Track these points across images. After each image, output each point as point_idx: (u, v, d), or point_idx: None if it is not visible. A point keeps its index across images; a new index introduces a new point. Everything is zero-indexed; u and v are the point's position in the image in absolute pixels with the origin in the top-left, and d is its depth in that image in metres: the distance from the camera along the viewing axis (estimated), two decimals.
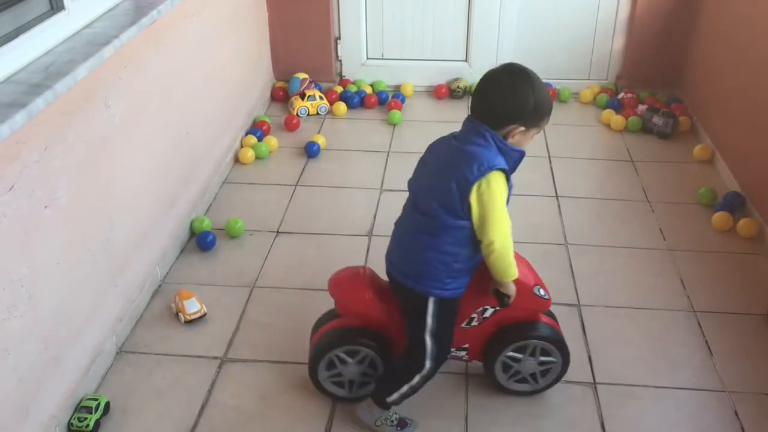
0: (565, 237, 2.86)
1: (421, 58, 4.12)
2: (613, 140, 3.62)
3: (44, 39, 2.01)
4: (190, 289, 2.52)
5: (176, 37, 2.73)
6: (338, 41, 4.10)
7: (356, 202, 3.12)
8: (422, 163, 1.91)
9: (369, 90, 4.07)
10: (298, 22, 4.00)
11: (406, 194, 3.18)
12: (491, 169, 1.71)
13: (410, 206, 1.91)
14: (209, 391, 2.16)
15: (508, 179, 1.78)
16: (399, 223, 1.96)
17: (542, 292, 2.01)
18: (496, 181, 1.72)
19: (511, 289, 1.86)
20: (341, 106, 3.91)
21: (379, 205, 3.08)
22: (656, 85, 3.98)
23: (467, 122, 1.80)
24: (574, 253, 2.76)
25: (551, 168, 3.36)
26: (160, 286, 2.60)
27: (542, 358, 2.05)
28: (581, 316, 2.45)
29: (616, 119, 3.70)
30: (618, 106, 3.85)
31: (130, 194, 2.39)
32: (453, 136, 1.83)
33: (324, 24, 4.01)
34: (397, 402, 1.98)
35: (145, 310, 2.48)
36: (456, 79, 4.08)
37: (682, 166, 3.37)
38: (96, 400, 2.05)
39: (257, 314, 2.47)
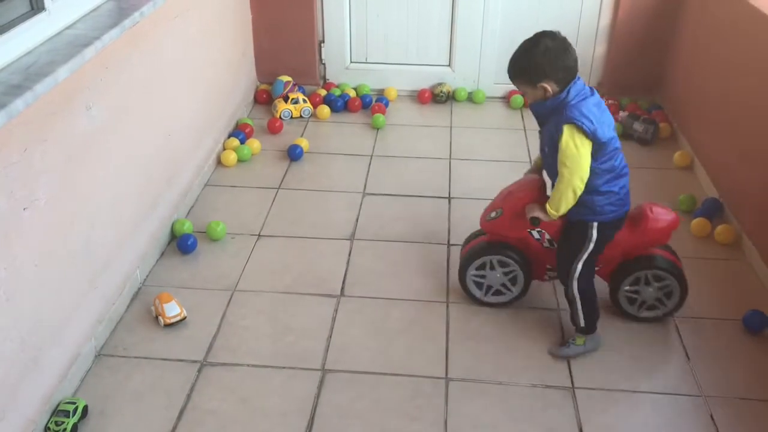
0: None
1: (404, 62, 4.13)
2: None
3: (24, 40, 1.99)
4: (171, 292, 2.51)
5: (159, 38, 2.72)
6: (322, 44, 4.10)
7: (339, 205, 3.12)
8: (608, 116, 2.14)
9: (353, 93, 4.07)
10: (282, 24, 3.99)
11: (389, 198, 3.22)
12: None
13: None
14: (189, 395, 2.15)
15: None
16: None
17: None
18: None
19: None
20: (325, 110, 3.91)
21: (361, 208, 3.09)
22: (637, 92, 4.01)
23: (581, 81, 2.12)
24: None
25: None
26: (140, 288, 2.59)
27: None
28: (560, 318, 2.46)
29: None
30: None
31: (111, 196, 2.38)
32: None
33: (308, 27, 4.01)
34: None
35: (124, 313, 2.46)
36: (439, 84, 4.09)
37: (663, 173, 3.41)
38: (74, 403, 2.04)
39: (238, 318, 2.46)
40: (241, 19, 3.85)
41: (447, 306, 2.52)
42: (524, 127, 3.82)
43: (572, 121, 2.05)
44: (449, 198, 3.18)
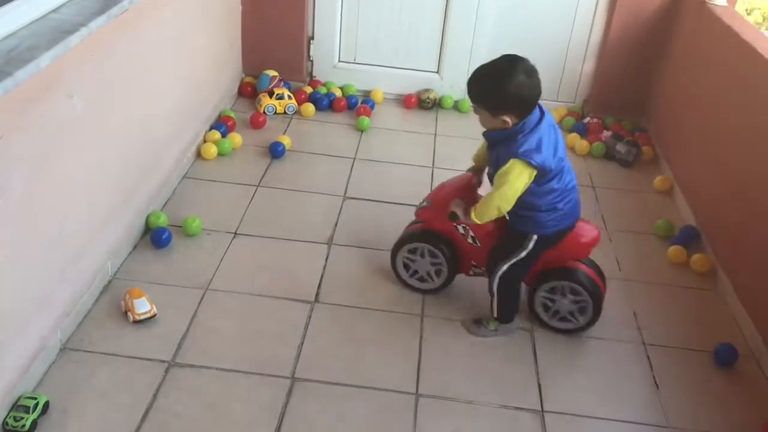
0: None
1: (393, 65, 4.10)
2: (576, 164, 3.61)
3: (6, 22, 1.92)
4: (142, 287, 2.45)
5: (146, 26, 2.66)
6: (311, 41, 4.06)
7: (318, 207, 3.08)
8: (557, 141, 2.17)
9: (339, 93, 4.03)
10: (272, 17, 3.94)
11: (369, 203, 3.21)
12: None
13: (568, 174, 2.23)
14: (154, 396, 2.11)
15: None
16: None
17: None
18: None
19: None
20: (309, 107, 3.87)
21: (341, 212, 3.05)
22: (622, 113, 4.03)
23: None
24: None
25: None
26: (110, 281, 2.53)
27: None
28: (533, 340, 2.46)
29: (581, 144, 3.73)
30: (583, 131, 3.89)
31: (87, 185, 2.32)
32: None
33: (298, 22, 3.96)
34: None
35: (93, 306, 2.40)
36: (426, 90, 4.07)
37: (642, 196, 3.42)
38: (34, 399, 1.98)
39: (209, 318, 2.42)
40: (231, 10, 3.79)
41: (422, 319, 2.50)
42: None
43: (521, 158, 2.08)
44: None
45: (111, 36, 2.36)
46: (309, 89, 4.03)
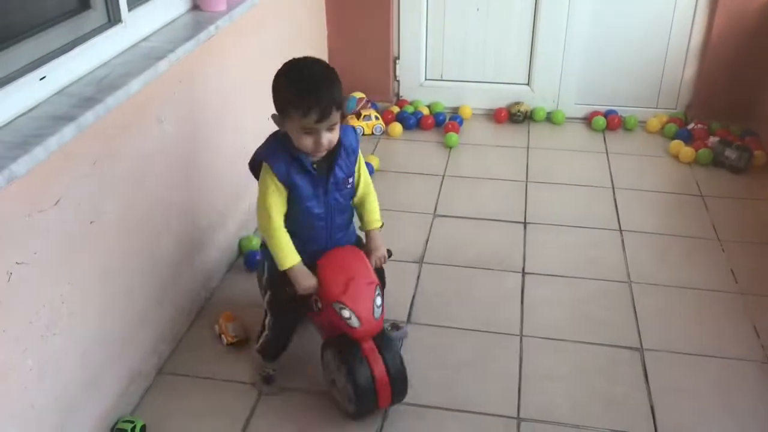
0: (629, 274, 2.70)
1: (481, 80, 4.01)
2: (681, 173, 3.45)
3: (100, 52, 1.98)
4: (236, 310, 2.45)
5: (235, 51, 2.69)
6: (397, 61, 4.03)
7: (408, 226, 3.01)
8: None
9: (426, 111, 3.98)
10: (357, 40, 3.94)
11: (460, 221, 3.11)
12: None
13: None
14: (248, 419, 2.08)
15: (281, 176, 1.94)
16: None
17: (346, 313, 1.93)
18: (263, 172, 1.99)
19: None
20: (397, 127, 3.82)
21: (431, 230, 2.98)
22: (729, 117, 3.77)
23: None
24: (638, 293, 2.60)
25: (615, 200, 3.21)
26: (204, 306, 2.54)
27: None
28: (644, 361, 2.29)
29: (686, 151, 3.51)
30: (687, 137, 3.67)
31: (179, 211, 2.35)
32: None
33: (383, 43, 3.95)
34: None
35: (187, 331, 2.42)
36: (517, 103, 3.95)
37: (757, 203, 3.17)
38: (132, 422, 1.99)
39: (300, 341, 2.37)
40: (317, 34, 3.82)
41: (521, 339, 2.38)
42: (606, 150, 3.64)
43: (358, 139, 2.08)
44: (525, 223, 3.03)
45: (201, 61, 2.39)
46: (396, 109, 3.99)
